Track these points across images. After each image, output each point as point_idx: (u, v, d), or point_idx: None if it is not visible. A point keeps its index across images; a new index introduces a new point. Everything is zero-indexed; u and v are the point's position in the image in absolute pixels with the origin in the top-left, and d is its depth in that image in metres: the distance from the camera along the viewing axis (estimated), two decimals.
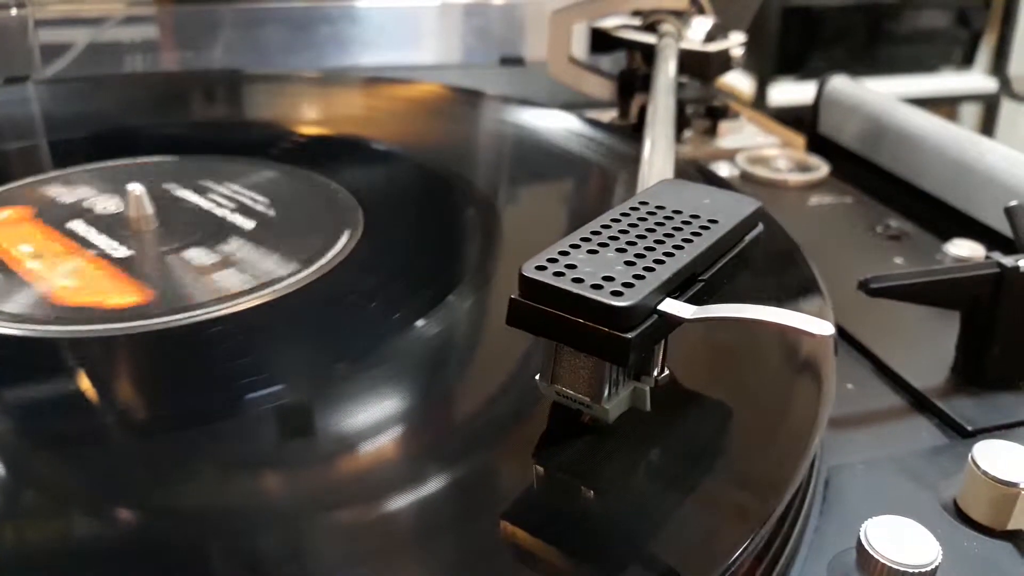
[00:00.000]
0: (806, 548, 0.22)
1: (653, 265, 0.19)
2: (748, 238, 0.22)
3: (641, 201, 0.22)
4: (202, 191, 0.35)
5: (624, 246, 0.20)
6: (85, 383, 0.24)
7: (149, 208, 0.32)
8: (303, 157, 0.39)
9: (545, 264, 0.19)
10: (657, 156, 0.32)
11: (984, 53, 1.30)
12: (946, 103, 1.34)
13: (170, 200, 0.34)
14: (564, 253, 0.20)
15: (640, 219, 0.21)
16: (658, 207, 0.22)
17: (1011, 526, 0.22)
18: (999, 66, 1.29)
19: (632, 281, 0.19)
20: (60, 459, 0.21)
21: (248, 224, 0.33)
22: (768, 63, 1.16)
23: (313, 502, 0.20)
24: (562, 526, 0.19)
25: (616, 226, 0.21)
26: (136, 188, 0.32)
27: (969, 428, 0.26)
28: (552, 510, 0.19)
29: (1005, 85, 1.29)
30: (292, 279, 0.29)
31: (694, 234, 0.21)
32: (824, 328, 0.17)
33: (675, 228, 0.21)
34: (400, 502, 0.20)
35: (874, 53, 1.23)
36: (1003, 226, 0.29)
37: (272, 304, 0.27)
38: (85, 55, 0.57)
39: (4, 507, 0.19)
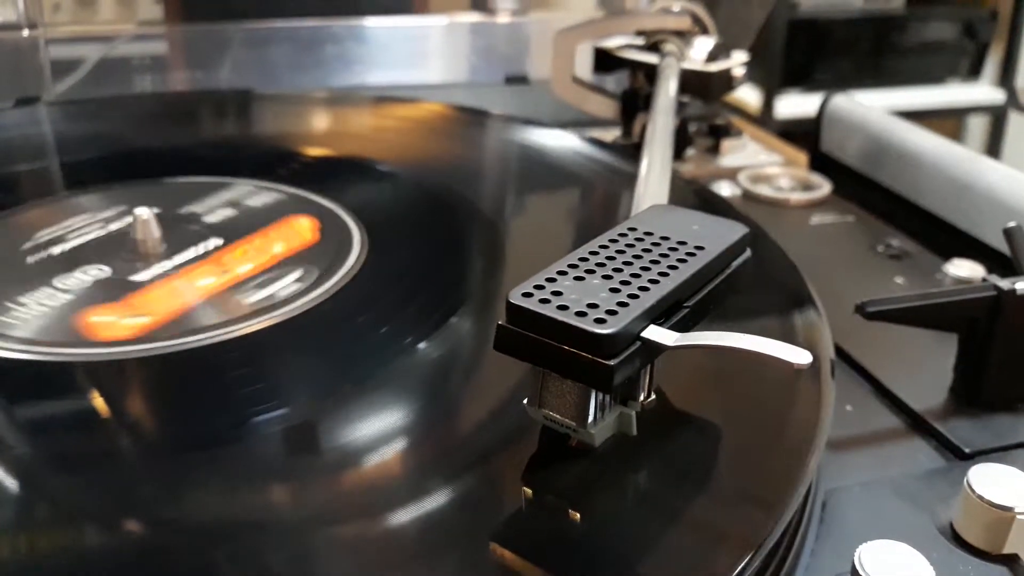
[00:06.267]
0: (802, 571, 0.22)
1: (638, 292, 0.20)
2: (735, 264, 0.22)
3: (630, 227, 0.22)
4: (208, 213, 0.36)
5: (611, 273, 0.20)
6: (93, 405, 0.24)
7: (156, 231, 0.32)
8: (308, 178, 0.39)
9: (532, 291, 0.20)
10: (652, 177, 0.32)
11: (991, 65, 1.30)
12: (953, 115, 1.34)
13: (175, 222, 0.35)
14: (551, 280, 0.20)
15: (628, 245, 0.22)
16: (646, 233, 0.22)
17: (1006, 550, 0.22)
18: (1006, 78, 1.29)
19: (616, 308, 0.19)
20: (72, 479, 0.22)
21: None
22: (775, 76, 1.17)
23: (302, 522, 0.20)
24: (552, 549, 0.19)
25: (604, 252, 0.21)
26: (143, 212, 0.32)
27: (967, 450, 0.26)
28: (542, 533, 0.19)
29: (1012, 97, 1.29)
30: (296, 301, 0.29)
31: (680, 261, 0.21)
32: (803, 357, 0.17)
33: (662, 255, 0.21)
34: (390, 523, 0.20)
35: (881, 65, 1.23)
36: (1004, 245, 0.29)
37: (276, 326, 0.27)
38: (94, 74, 0.58)
39: (16, 525, 0.20)
